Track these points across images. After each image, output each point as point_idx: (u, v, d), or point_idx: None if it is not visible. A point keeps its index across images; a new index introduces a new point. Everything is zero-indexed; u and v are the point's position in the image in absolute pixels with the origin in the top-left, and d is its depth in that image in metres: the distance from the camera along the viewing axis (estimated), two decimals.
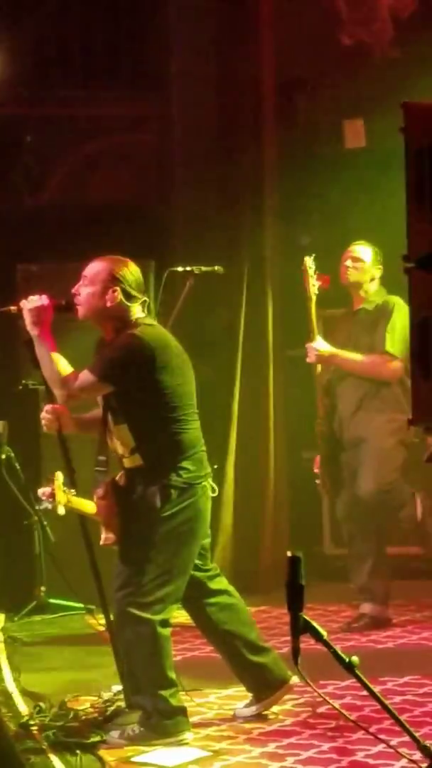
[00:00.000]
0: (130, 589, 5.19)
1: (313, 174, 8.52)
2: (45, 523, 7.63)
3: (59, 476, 5.72)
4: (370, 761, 4.86)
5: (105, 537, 5.27)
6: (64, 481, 5.76)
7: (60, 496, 5.74)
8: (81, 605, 7.47)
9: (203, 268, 6.35)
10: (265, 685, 5.51)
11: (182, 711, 5.25)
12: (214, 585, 5.50)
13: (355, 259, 7.21)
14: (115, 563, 5.29)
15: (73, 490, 5.70)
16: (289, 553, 3.25)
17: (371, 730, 4.63)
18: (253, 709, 5.52)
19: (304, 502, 8.66)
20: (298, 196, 8.63)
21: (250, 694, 5.56)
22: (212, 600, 5.48)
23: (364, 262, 7.19)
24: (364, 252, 7.20)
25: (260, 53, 8.58)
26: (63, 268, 7.49)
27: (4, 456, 7.61)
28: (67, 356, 5.35)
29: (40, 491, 5.82)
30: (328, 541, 8.64)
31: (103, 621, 5.77)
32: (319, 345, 7.15)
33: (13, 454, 7.63)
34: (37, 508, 7.57)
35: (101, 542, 5.30)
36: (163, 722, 5.19)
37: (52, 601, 7.76)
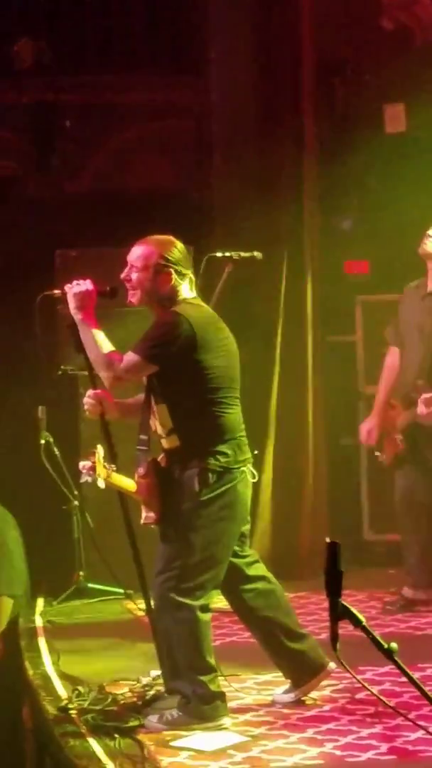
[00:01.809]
0: (170, 573, 5.19)
1: (352, 159, 8.50)
2: (84, 508, 7.65)
3: (100, 450, 5.72)
4: (409, 747, 4.85)
5: (146, 516, 5.28)
6: (105, 457, 5.77)
7: (100, 469, 5.75)
8: (120, 590, 7.49)
9: (242, 254, 6.32)
10: (302, 671, 5.50)
11: (221, 696, 5.25)
12: (251, 571, 5.49)
13: None
14: (157, 547, 5.31)
15: (113, 466, 5.71)
16: (327, 540, 3.23)
17: (410, 716, 4.62)
18: (291, 695, 5.52)
19: (343, 488, 8.66)
20: (338, 181, 8.60)
21: (288, 680, 5.57)
22: (250, 586, 5.47)
23: None
24: None
25: (300, 38, 8.54)
26: (101, 253, 7.52)
27: (43, 441, 7.63)
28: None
29: (81, 464, 5.83)
30: (367, 527, 8.63)
31: (142, 605, 5.78)
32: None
33: (52, 440, 7.65)
34: (77, 494, 7.60)
35: (142, 521, 5.31)
36: (201, 707, 5.19)
37: (90, 585, 7.79)
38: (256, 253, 6.39)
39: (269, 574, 5.55)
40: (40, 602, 7.68)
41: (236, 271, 6.28)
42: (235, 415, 5.30)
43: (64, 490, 7.68)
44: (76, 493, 7.64)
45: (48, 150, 9.13)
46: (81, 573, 7.81)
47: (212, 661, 5.23)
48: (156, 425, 5.32)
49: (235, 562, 5.40)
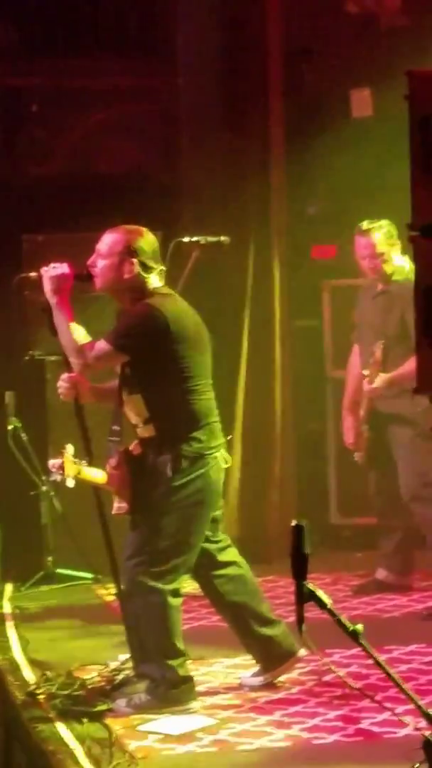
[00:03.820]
0: (141, 558, 5.21)
1: (319, 143, 8.48)
2: (52, 493, 7.64)
3: (69, 449, 5.73)
4: (375, 729, 4.89)
5: (118, 506, 5.30)
6: (76, 452, 5.77)
7: (69, 468, 5.75)
8: (88, 575, 7.49)
9: (209, 239, 6.33)
10: (272, 657, 5.53)
11: (189, 680, 5.28)
12: (223, 556, 5.51)
13: (366, 251, 6.94)
14: (127, 532, 5.31)
15: (84, 461, 5.70)
16: (293, 522, 3.26)
17: (377, 698, 4.65)
18: (260, 679, 5.54)
19: (310, 472, 8.67)
20: (305, 165, 8.59)
21: (257, 664, 5.59)
22: (221, 571, 5.49)
23: (373, 247, 6.91)
24: (370, 239, 6.92)
25: (267, 22, 8.53)
26: (69, 238, 7.50)
27: (11, 427, 7.62)
28: (85, 328, 5.36)
29: (50, 463, 5.84)
30: (334, 510, 8.65)
31: (110, 590, 5.79)
32: (378, 384, 6.93)
33: (20, 425, 7.64)
34: (45, 479, 7.59)
35: (114, 511, 5.32)
36: (170, 691, 5.21)
37: (59, 571, 7.78)
38: (223, 238, 6.40)
39: (241, 560, 5.57)
40: (9, 588, 7.67)
41: (203, 255, 6.28)
42: (208, 401, 5.34)
43: (32, 476, 7.67)
44: (44, 478, 7.63)
45: (15, 134, 9.09)
46: (49, 558, 7.80)
47: (181, 645, 5.26)
48: (130, 415, 5.33)
49: (207, 547, 5.42)
